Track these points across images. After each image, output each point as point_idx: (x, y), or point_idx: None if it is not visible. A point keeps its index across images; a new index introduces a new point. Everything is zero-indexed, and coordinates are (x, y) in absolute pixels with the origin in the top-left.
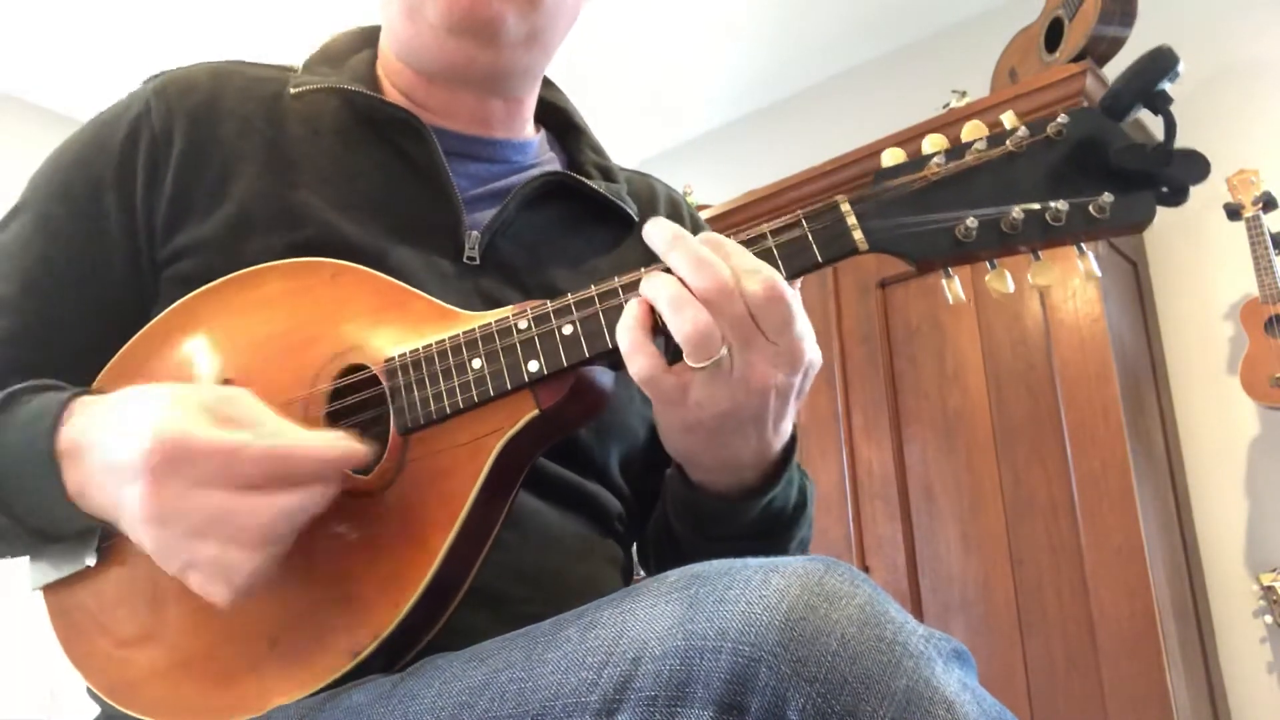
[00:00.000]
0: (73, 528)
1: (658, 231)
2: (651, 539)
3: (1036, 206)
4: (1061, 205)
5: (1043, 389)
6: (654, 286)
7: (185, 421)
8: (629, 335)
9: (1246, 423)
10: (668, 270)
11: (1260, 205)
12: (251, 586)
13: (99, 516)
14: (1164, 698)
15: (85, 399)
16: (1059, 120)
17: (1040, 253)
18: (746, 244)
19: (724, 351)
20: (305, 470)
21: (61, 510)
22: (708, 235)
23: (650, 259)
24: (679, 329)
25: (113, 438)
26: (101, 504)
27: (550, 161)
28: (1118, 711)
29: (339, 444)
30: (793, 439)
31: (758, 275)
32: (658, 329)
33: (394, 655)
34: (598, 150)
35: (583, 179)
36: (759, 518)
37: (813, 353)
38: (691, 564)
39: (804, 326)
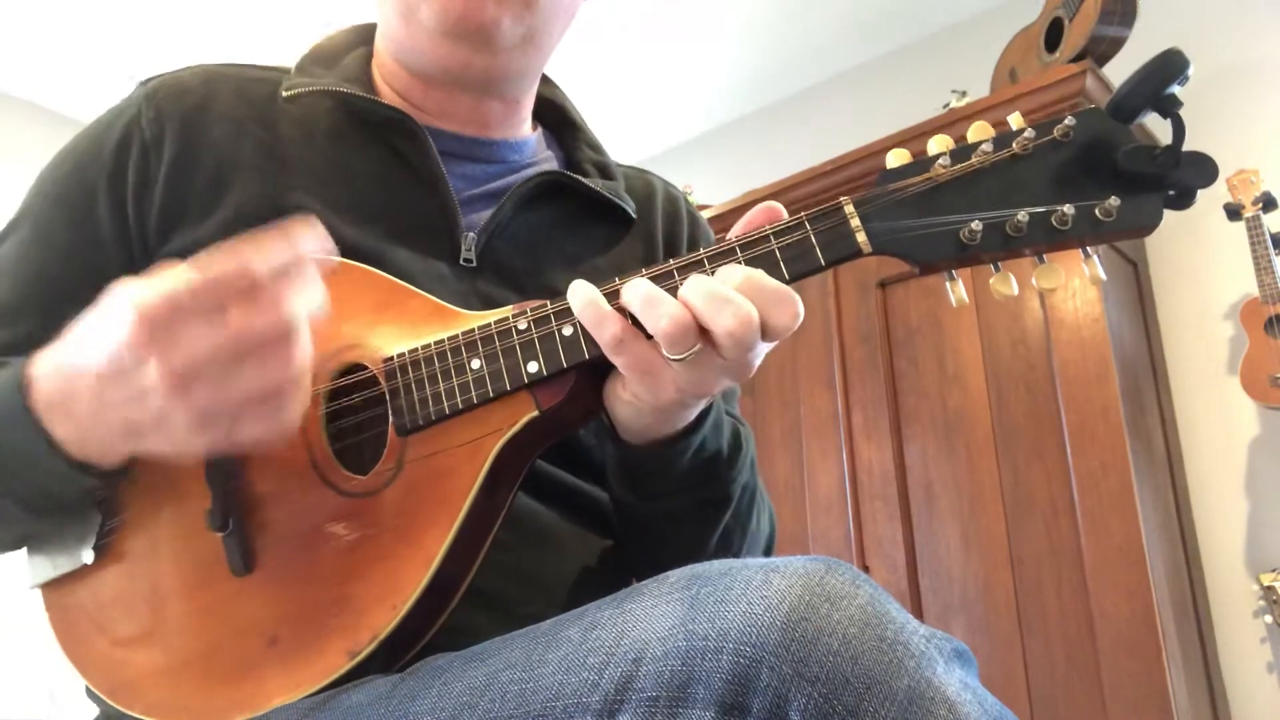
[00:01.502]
0: (67, 493)
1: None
2: (616, 531)
3: (1042, 209)
4: (1068, 208)
5: (1043, 389)
6: (628, 294)
7: (148, 285)
8: (591, 308)
9: (1246, 423)
10: (626, 284)
11: (1260, 205)
12: (303, 404)
13: (111, 459)
14: (1164, 698)
15: (38, 356)
16: (1066, 122)
17: (1045, 256)
18: (749, 245)
19: (699, 346)
20: (278, 262)
21: (52, 471)
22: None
23: (648, 258)
24: (654, 327)
25: (94, 349)
26: (115, 430)
27: (547, 160)
28: (1118, 711)
29: (288, 233)
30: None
31: (729, 309)
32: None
33: (393, 655)
34: (595, 147)
35: (579, 178)
36: (692, 464)
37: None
38: (691, 563)
39: (763, 347)
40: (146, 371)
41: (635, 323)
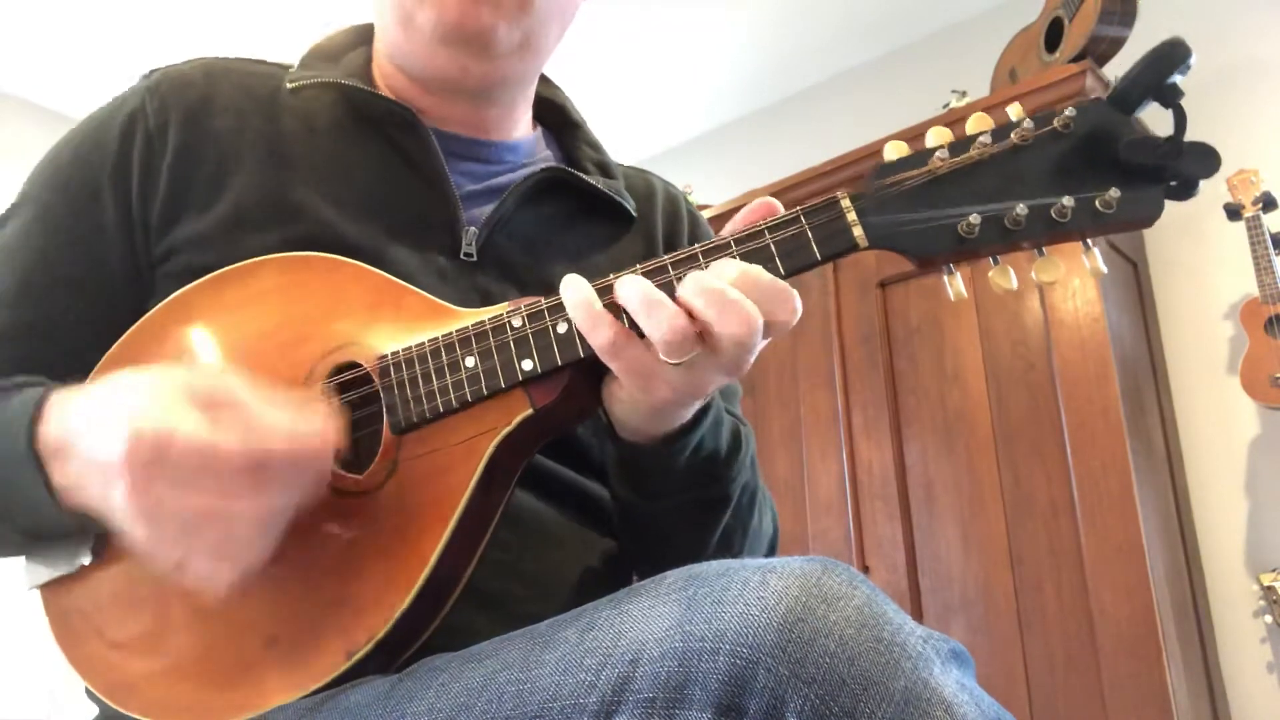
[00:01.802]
0: (61, 526)
1: (573, 292)
2: (616, 528)
3: (1041, 202)
4: (1067, 200)
5: (1043, 389)
6: (625, 290)
7: (164, 415)
8: (584, 311)
9: (1246, 423)
10: (622, 278)
11: (1260, 205)
12: (246, 580)
13: (93, 512)
14: (1164, 698)
15: (62, 394)
16: (1067, 113)
17: (1044, 248)
18: (744, 240)
19: (697, 350)
20: (286, 467)
21: (49, 510)
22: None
23: (648, 256)
24: (654, 332)
25: (93, 433)
26: (92, 499)
27: (547, 159)
28: (1118, 711)
29: (315, 437)
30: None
31: (733, 313)
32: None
33: (391, 655)
34: (595, 146)
35: (580, 174)
36: (690, 463)
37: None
38: (689, 563)
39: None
40: (118, 488)
41: (629, 322)
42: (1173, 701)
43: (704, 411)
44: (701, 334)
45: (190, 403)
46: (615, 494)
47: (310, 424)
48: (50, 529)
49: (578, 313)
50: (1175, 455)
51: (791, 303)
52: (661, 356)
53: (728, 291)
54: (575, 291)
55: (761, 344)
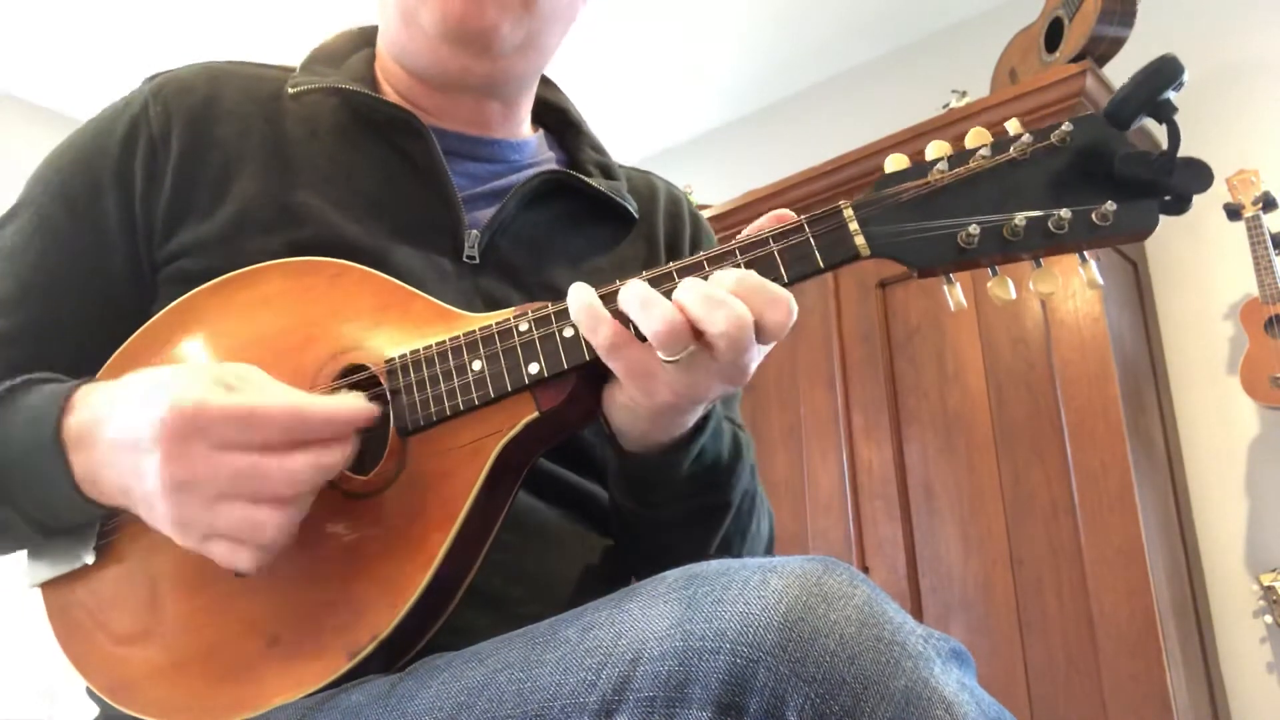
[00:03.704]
0: (75, 519)
1: (577, 296)
2: (616, 535)
3: (1039, 214)
4: (1064, 213)
5: (1043, 389)
6: (623, 295)
7: (198, 389)
8: (586, 312)
9: (1246, 423)
10: (621, 289)
11: (1260, 205)
12: (276, 551)
13: (108, 502)
14: (1164, 698)
15: (89, 386)
16: (1063, 128)
17: (1042, 260)
18: (749, 249)
19: (692, 348)
20: (321, 427)
21: (65, 499)
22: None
23: (650, 258)
24: (648, 328)
25: (125, 413)
26: (114, 485)
27: (549, 161)
28: (1118, 711)
29: (350, 402)
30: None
31: (723, 310)
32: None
33: (393, 655)
34: (597, 148)
35: (582, 177)
36: (692, 472)
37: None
38: (689, 564)
39: (759, 350)
40: (150, 460)
41: (634, 329)
42: (1173, 701)
43: (704, 420)
44: (697, 333)
45: (219, 384)
46: (616, 503)
47: (343, 400)
48: (62, 522)
49: (580, 314)
50: (1175, 455)
51: (785, 305)
52: (659, 354)
53: (719, 292)
54: (579, 294)
55: (760, 350)
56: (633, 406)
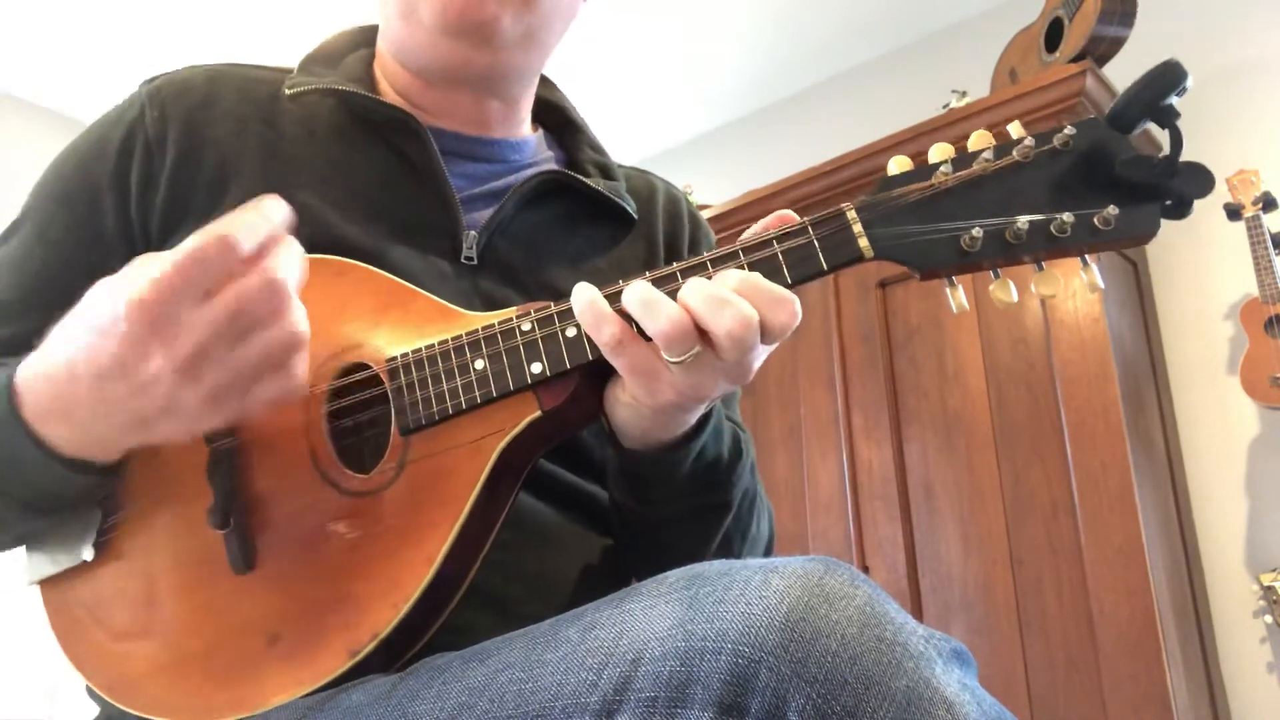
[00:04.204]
0: (67, 494)
1: (582, 295)
2: (616, 534)
3: (1041, 217)
4: (1066, 217)
5: (1043, 389)
6: (626, 295)
7: (133, 278)
8: (591, 310)
9: (1246, 423)
10: (651, 280)
11: (1260, 205)
12: (305, 353)
13: (110, 452)
14: (1164, 698)
15: (24, 360)
16: (1066, 131)
17: (1044, 263)
18: (752, 250)
19: (697, 349)
20: (256, 231)
21: (51, 472)
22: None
23: (649, 258)
24: (653, 329)
25: (88, 350)
26: (117, 424)
27: (548, 160)
28: (1118, 711)
29: (258, 206)
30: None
31: (729, 310)
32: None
33: (393, 655)
34: (596, 148)
35: (580, 177)
36: (692, 471)
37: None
38: (690, 565)
39: (761, 350)
40: (151, 363)
41: (637, 327)
42: (1173, 701)
43: (705, 419)
44: (701, 333)
45: (140, 268)
46: (616, 501)
47: (251, 206)
48: (51, 498)
49: (585, 312)
50: (1175, 455)
51: (790, 306)
52: (663, 354)
53: (724, 292)
54: (583, 293)
55: (763, 350)
56: (635, 405)
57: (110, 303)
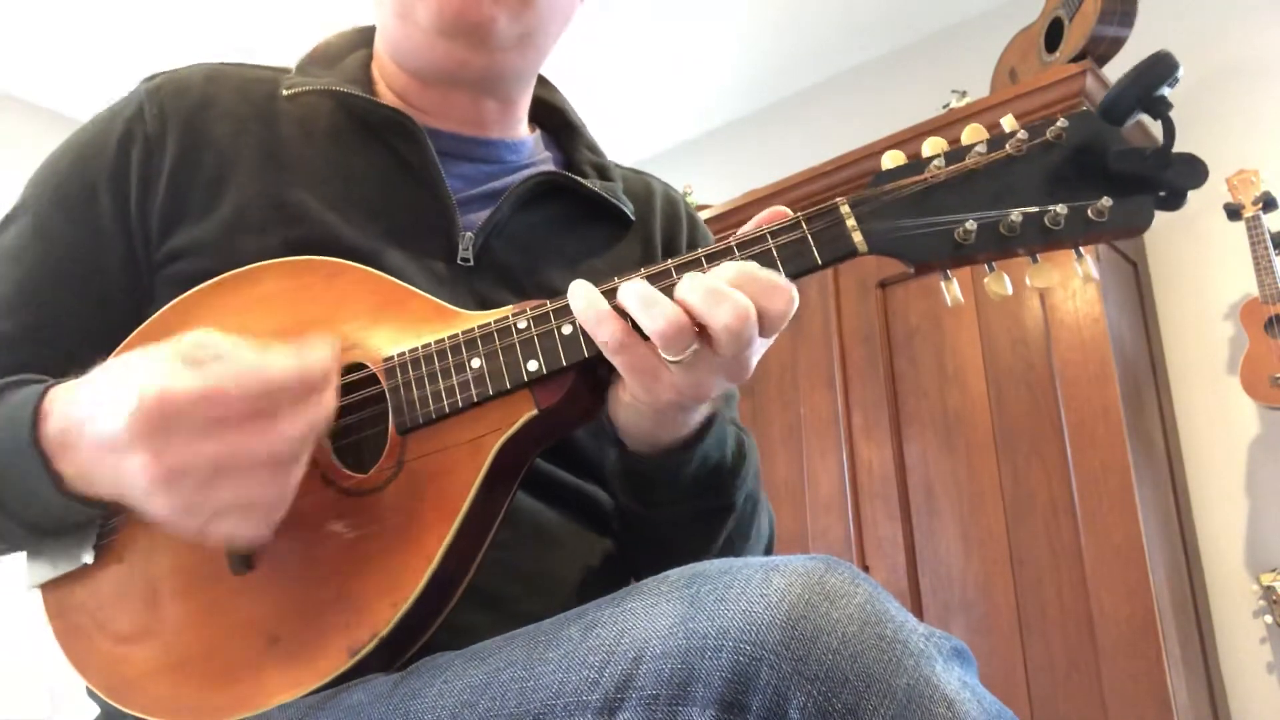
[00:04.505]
0: (70, 520)
1: (580, 294)
2: (618, 534)
3: (1035, 210)
4: (1060, 209)
5: (1043, 389)
6: (622, 292)
7: (162, 376)
8: (590, 309)
9: (1246, 423)
10: (649, 276)
11: (1260, 205)
12: (282, 512)
13: (108, 497)
14: (1164, 698)
15: (63, 386)
16: (1059, 124)
17: (1038, 256)
18: (747, 245)
19: (695, 346)
20: (295, 385)
21: (56, 502)
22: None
23: (646, 259)
24: (651, 327)
25: (98, 412)
26: (107, 483)
27: (545, 161)
28: (1118, 711)
29: (315, 353)
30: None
31: (725, 304)
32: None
33: (393, 654)
34: (594, 149)
35: (577, 178)
36: (697, 473)
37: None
38: (691, 563)
39: (760, 344)
40: (134, 458)
41: (634, 324)
42: (1173, 701)
43: (709, 423)
44: (699, 330)
45: (182, 362)
46: (619, 503)
47: (308, 353)
48: (54, 522)
49: (584, 311)
50: (1175, 455)
51: (786, 293)
52: (661, 353)
53: (720, 285)
54: (581, 291)
55: (761, 344)
56: (636, 405)
57: (128, 389)
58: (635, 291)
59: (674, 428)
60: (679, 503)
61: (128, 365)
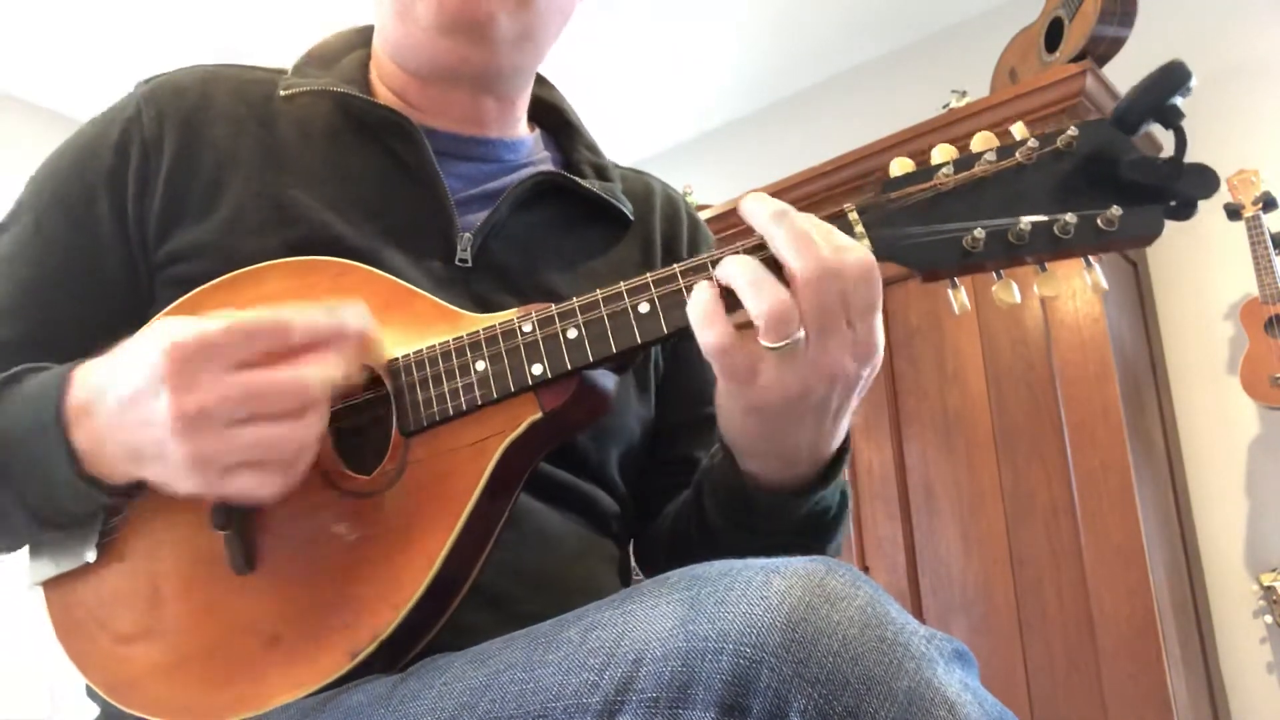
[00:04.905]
0: (75, 508)
1: (759, 208)
2: (666, 537)
3: (1045, 218)
4: (1070, 218)
5: (1043, 389)
6: (731, 268)
7: (193, 323)
8: (700, 308)
9: (1246, 423)
10: (727, 256)
11: (1260, 205)
12: (301, 471)
13: (115, 476)
14: (1164, 698)
15: (88, 363)
16: (1069, 132)
17: (1047, 264)
18: (756, 250)
19: (800, 334)
20: (322, 328)
21: (67, 483)
22: (798, 216)
23: (645, 260)
24: (757, 308)
25: (123, 371)
26: (121, 449)
27: (544, 161)
28: (1118, 712)
29: (347, 311)
30: (846, 440)
31: (853, 253)
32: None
33: (394, 656)
34: (593, 149)
35: (576, 179)
36: (806, 516)
37: (881, 346)
38: (691, 565)
39: (880, 315)
40: (157, 402)
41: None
42: (1173, 702)
43: (833, 470)
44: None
45: (210, 318)
46: (708, 523)
47: (339, 309)
48: (61, 513)
49: (696, 308)
50: (1175, 455)
51: (869, 262)
52: (762, 341)
53: (812, 232)
54: (699, 296)
55: (846, 335)
56: (757, 406)
57: (157, 337)
58: (747, 271)
59: (795, 456)
60: (780, 534)
61: (152, 329)
